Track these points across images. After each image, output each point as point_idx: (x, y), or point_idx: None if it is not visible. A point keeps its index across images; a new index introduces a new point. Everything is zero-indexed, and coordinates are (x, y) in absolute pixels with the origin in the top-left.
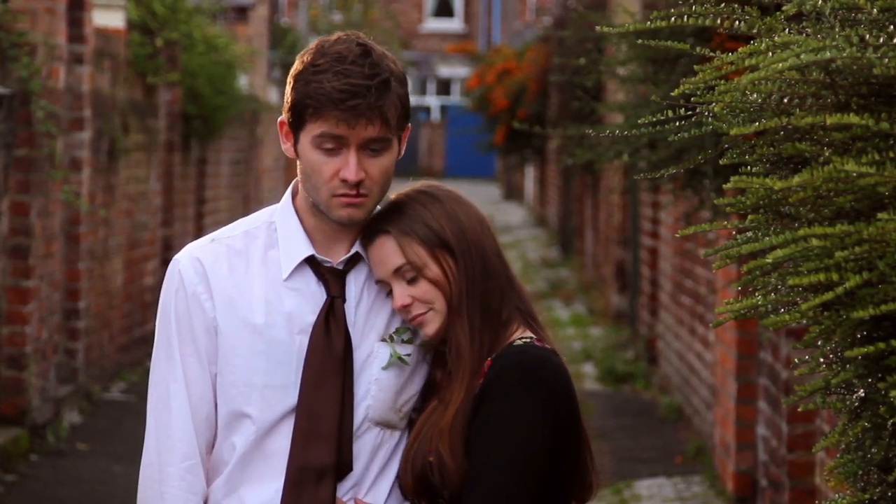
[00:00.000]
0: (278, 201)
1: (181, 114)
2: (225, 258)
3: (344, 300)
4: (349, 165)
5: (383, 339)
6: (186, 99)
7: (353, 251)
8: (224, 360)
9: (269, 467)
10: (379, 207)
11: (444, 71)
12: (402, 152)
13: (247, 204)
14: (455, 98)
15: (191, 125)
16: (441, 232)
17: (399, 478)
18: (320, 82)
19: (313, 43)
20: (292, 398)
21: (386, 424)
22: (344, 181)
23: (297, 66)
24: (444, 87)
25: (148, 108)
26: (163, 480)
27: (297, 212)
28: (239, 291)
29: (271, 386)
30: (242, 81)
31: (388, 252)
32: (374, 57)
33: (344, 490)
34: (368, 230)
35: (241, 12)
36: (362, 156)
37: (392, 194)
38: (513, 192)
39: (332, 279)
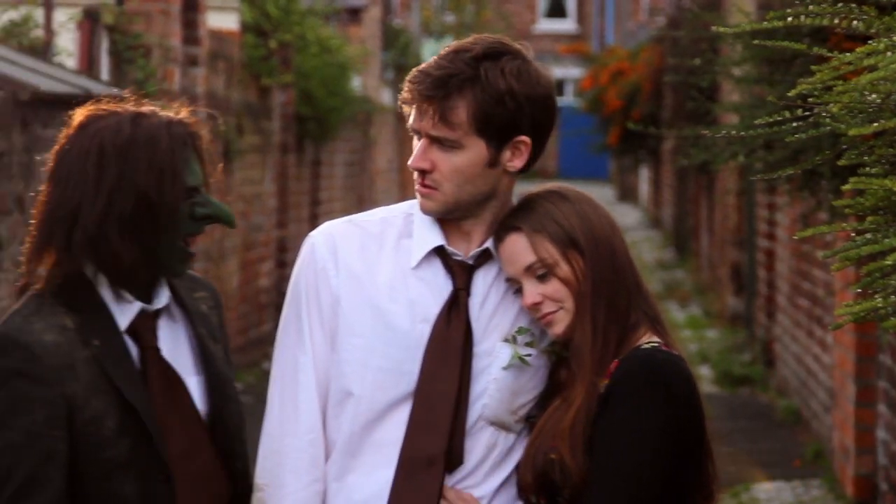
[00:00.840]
0: (392, 202)
1: (295, 115)
2: (358, 238)
3: (469, 294)
4: (414, 153)
5: (505, 340)
6: (300, 100)
7: (483, 246)
8: (342, 338)
9: (381, 455)
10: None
11: (558, 72)
12: (518, 165)
13: (361, 205)
14: (568, 99)
15: (305, 126)
16: (571, 231)
17: (519, 475)
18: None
19: None
20: (405, 385)
21: (500, 425)
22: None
23: None
24: (557, 87)
25: (262, 109)
26: (283, 451)
27: None
28: (366, 271)
29: (385, 369)
30: (356, 83)
31: (520, 249)
32: (464, 55)
33: (452, 483)
34: (499, 227)
35: (354, 14)
36: (434, 148)
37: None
38: (627, 194)
39: (460, 272)
